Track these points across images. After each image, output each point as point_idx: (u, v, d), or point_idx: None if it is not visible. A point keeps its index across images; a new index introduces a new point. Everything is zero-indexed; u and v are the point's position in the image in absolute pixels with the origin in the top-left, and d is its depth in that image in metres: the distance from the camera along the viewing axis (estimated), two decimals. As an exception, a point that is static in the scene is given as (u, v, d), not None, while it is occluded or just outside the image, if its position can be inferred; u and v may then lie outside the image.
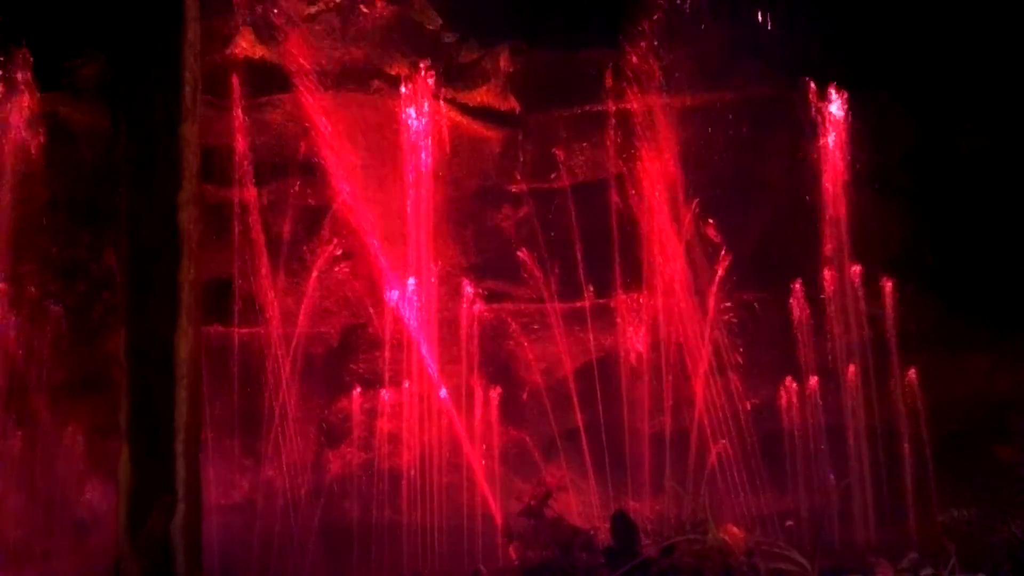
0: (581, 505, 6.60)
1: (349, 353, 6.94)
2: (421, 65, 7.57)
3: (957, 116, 9.01)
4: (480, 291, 7.28)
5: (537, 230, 7.48)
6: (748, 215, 7.69)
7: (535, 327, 7.04)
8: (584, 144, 7.70)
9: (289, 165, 7.31)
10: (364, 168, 7.43)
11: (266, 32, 7.63)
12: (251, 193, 7.16)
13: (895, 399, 7.09)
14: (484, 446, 6.71)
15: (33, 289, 6.79)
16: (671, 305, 7.18)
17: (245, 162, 7.17)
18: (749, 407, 6.92)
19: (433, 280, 7.09)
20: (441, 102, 7.70)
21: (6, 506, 6.21)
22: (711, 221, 7.45)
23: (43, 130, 7.07)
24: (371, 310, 7.03)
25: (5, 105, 7.02)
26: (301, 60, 7.69)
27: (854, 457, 6.93)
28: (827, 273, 7.45)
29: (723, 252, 7.55)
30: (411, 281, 6.99)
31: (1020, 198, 8.40)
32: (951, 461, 6.98)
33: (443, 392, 6.72)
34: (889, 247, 8.51)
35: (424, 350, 6.83)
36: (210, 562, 4.53)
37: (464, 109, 7.80)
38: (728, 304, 7.25)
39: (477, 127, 7.77)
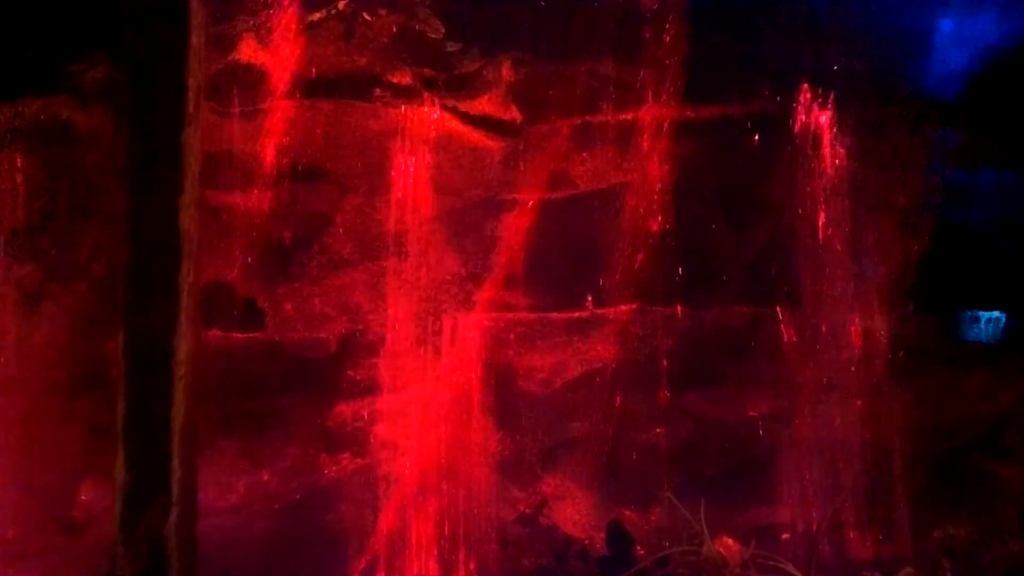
0: (577, 514, 6.59)
1: (347, 359, 6.92)
2: (423, 74, 7.59)
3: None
4: (479, 300, 7.29)
5: (538, 240, 7.48)
6: (748, 228, 7.71)
7: (534, 336, 7.04)
8: (585, 154, 7.71)
9: (291, 171, 7.31)
10: (365, 175, 7.44)
11: (269, 39, 7.65)
12: (252, 198, 7.17)
13: (892, 415, 7.10)
14: (481, 454, 6.71)
15: (33, 289, 6.80)
16: (670, 317, 7.18)
17: (246, 167, 7.19)
18: (746, 420, 6.92)
19: (432, 289, 7.10)
20: (443, 111, 7.72)
21: (1, 504, 6.21)
22: (711, 234, 7.48)
23: (46, 132, 7.10)
24: (370, 317, 7.03)
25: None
26: (304, 67, 7.72)
27: (850, 472, 6.93)
28: (825, 288, 7.47)
29: (722, 265, 7.57)
30: (411, 289, 7.00)
31: (1020, 214, 8.44)
32: (948, 478, 6.98)
33: (441, 400, 6.72)
34: (888, 264, 8.54)
35: (422, 358, 6.83)
36: (205, 564, 4.53)
37: (465, 118, 7.79)
38: (726, 317, 7.25)
39: (478, 136, 7.77)
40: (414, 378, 6.77)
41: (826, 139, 7.85)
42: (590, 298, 7.31)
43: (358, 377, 6.89)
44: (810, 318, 7.37)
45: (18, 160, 7.02)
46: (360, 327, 7.00)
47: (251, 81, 7.48)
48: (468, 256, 7.46)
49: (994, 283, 8.59)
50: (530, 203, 7.55)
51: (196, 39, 4.26)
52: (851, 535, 6.78)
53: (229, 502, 6.46)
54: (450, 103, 7.75)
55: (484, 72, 8.06)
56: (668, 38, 7.84)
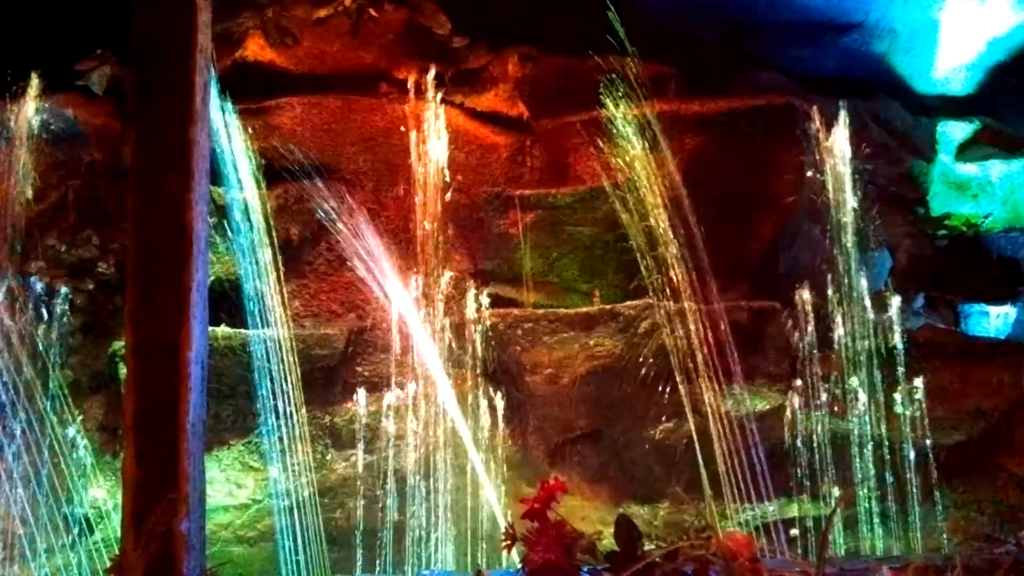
0: (585, 509, 6.60)
1: (355, 355, 6.92)
2: (430, 70, 7.59)
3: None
4: (487, 296, 7.29)
5: (545, 235, 7.48)
6: (756, 223, 7.69)
7: (541, 332, 7.03)
8: (592, 150, 7.70)
9: (297, 168, 7.32)
10: (372, 172, 7.44)
11: (276, 36, 7.66)
12: (260, 195, 7.18)
13: (902, 409, 7.08)
14: (489, 450, 6.71)
15: (41, 287, 6.83)
16: (678, 312, 7.16)
17: (254, 165, 7.19)
18: (755, 415, 6.91)
19: (439, 285, 7.10)
20: (449, 107, 7.71)
21: (12, 502, 6.24)
22: (718, 228, 7.45)
23: (54, 130, 7.12)
24: (377, 314, 7.03)
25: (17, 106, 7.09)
26: (310, 64, 7.72)
27: (859, 466, 6.92)
28: (834, 283, 7.45)
29: (731, 260, 7.55)
30: (417, 285, 7.00)
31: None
32: (957, 471, 6.96)
33: (448, 396, 6.72)
34: (896, 257, 8.53)
35: (430, 354, 6.83)
36: (213, 560, 4.55)
37: (472, 114, 7.79)
38: (735, 312, 7.23)
39: (485, 132, 7.76)
40: (422, 374, 6.77)
41: (833, 133, 7.82)
42: (597, 293, 7.31)
43: (366, 373, 6.89)
44: (819, 311, 7.34)
45: (26, 158, 7.04)
46: (367, 323, 7.00)
47: (257, 78, 7.49)
48: (475, 252, 7.46)
49: (1004, 277, 8.57)
50: (537, 199, 7.55)
51: (202, 36, 4.25)
52: (860, 528, 6.78)
53: (238, 499, 6.48)
54: (457, 99, 7.75)
55: (491, 67, 8.05)
56: (674, 34, 7.85)
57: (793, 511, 6.73)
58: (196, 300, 4.05)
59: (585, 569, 3.23)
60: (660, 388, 6.91)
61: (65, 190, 7.09)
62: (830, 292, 7.39)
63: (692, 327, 7.01)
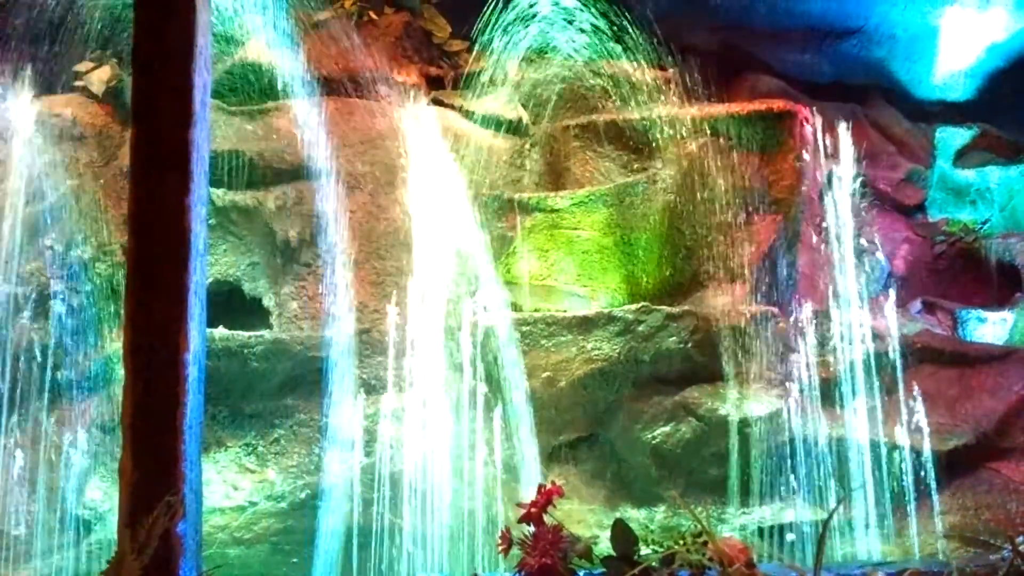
0: (582, 513, 6.61)
1: (353, 358, 6.94)
2: (430, 73, 7.58)
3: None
4: (485, 299, 7.29)
5: (543, 239, 7.49)
6: (754, 228, 7.70)
7: (539, 336, 7.04)
8: (591, 154, 7.71)
9: (296, 170, 7.32)
10: (371, 174, 7.44)
11: (276, 38, 7.67)
12: (258, 197, 7.18)
13: (899, 414, 7.09)
14: (486, 453, 6.71)
15: (39, 288, 6.83)
16: (676, 317, 7.17)
17: (252, 166, 7.20)
18: (752, 419, 6.91)
19: (438, 288, 7.10)
20: (449, 111, 7.71)
21: (9, 504, 6.24)
22: (717, 231, 7.47)
23: (53, 131, 7.13)
24: (375, 316, 7.03)
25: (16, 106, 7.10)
26: (310, 66, 7.72)
27: (856, 471, 6.92)
28: (833, 287, 7.45)
29: (729, 265, 7.56)
30: (416, 288, 7.00)
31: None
32: (954, 476, 6.97)
33: (445, 399, 6.72)
34: (894, 263, 8.54)
35: (427, 357, 6.83)
36: (210, 563, 4.55)
37: (472, 118, 7.80)
38: (733, 317, 7.24)
39: (485, 136, 7.77)
40: (420, 377, 6.77)
41: (832, 138, 7.84)
42: (596, 296, 7.32)
43: (364, 376, 6.90)
44: (817, 316, 7.35)
45: (25, 158, 7.05)
46: (366, 326, 7.00)
47: (257, 80, 7.50)
48: (474, 254, 7.46)
49: (1001, 283, 8.58)
50: (535, 202, 7.55)
51: (202, 38, 4.25)
52: (857, 533, 6.78)
53: (235, 500, 6.48)
54: (456, 102, 7.75)
55: (490, 71, 8.05)
56: (673, 39, 7.85)
57: (789, 516, 6.73)
58: (194, 302, 4.05)
59: (581, 573, 3.22)
60: (657, 392, 6.91)
61: (63, 191, 7.09)
62: (828, 297, 7.39)
63: (690, 331, 7.02)
